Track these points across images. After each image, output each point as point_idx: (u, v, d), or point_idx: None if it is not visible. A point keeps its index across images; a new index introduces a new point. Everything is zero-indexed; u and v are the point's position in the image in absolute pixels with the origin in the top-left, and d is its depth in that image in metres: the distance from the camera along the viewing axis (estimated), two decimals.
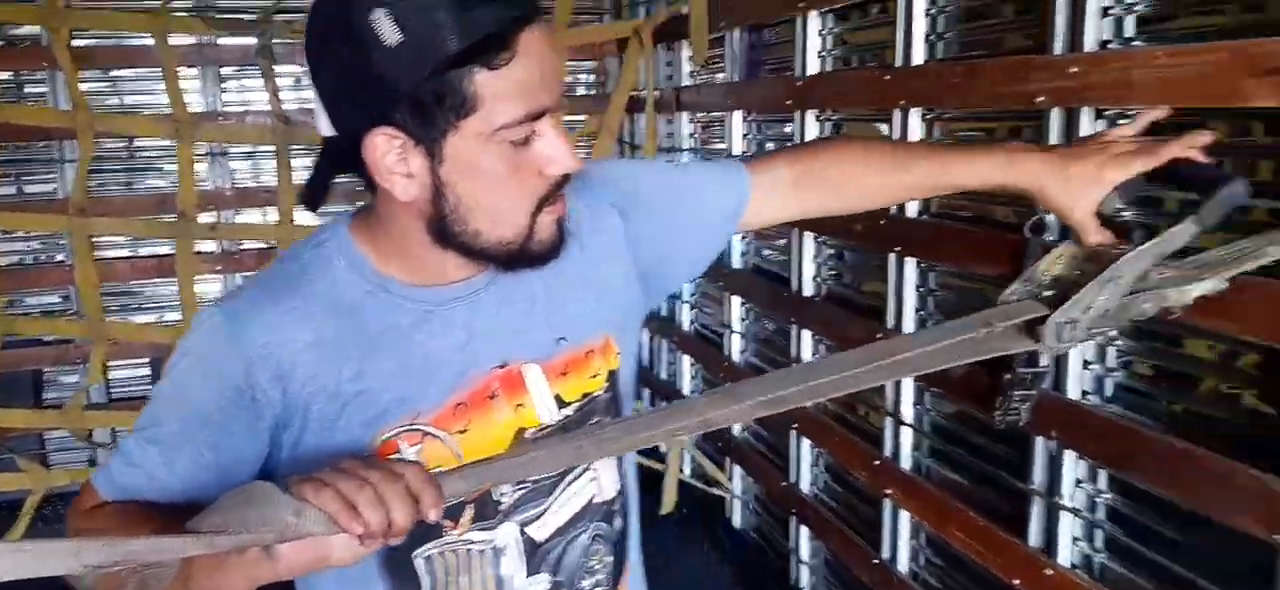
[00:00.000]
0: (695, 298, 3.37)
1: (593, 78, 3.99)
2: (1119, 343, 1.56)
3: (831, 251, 2.46)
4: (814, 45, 2.36)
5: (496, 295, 0.99)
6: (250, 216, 3.72)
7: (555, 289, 1.02)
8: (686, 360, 3.48)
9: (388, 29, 0.80)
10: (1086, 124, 1.51)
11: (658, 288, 1.16)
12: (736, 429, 2.95)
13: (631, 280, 1.10)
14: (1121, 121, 1.48)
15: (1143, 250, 1.01)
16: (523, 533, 1.02)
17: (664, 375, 3.71)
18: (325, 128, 0.90)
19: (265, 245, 3.57)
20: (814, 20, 2.34)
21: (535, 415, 1.01)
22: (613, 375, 1.07)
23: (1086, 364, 1.61)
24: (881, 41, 2.13)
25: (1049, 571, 1.68)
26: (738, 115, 2.84)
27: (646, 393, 3.83)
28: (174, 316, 3.55)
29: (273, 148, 3.31)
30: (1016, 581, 1.74)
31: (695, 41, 2.74)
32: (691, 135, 3.31)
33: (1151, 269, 1.05)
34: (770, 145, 2.75)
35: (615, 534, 1.11)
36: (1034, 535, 1.73)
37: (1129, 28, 1.49)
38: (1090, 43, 1.50)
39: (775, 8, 2.53)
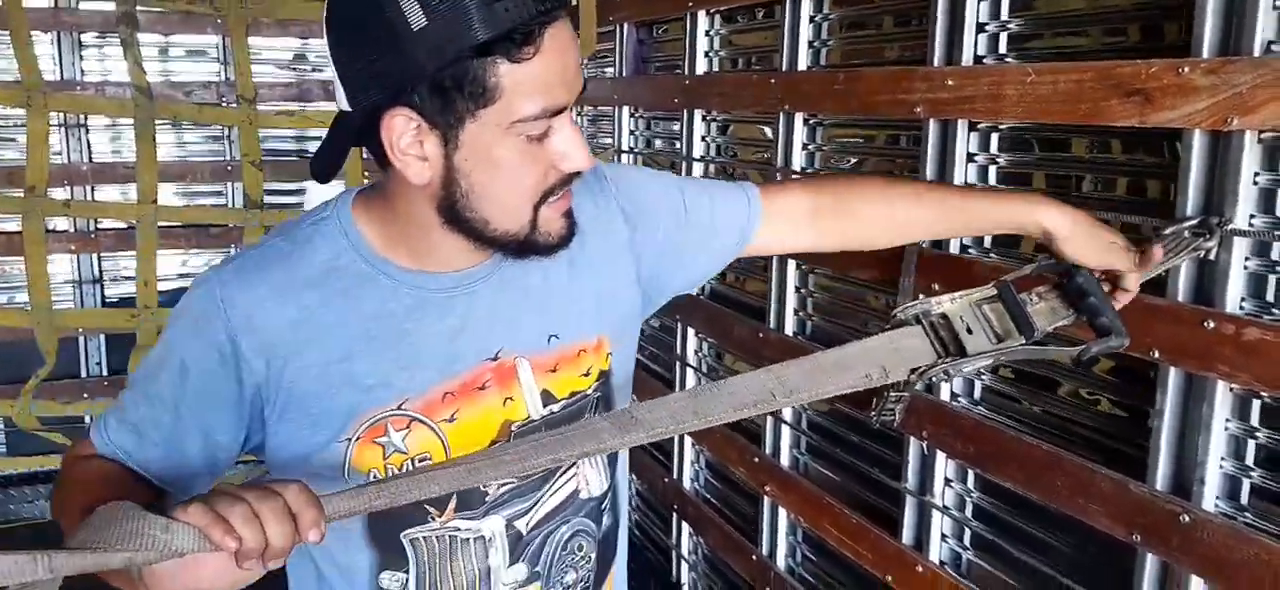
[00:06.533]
0: None
1: None
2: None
3: None
4: (702, 45, 2.37)
5: (494, 287, 1.00)
6: (108, 193, 3.49)
7: (553, 285, 1.03)
8: None
9: (415, 13, 0.81)
10: (961, 135, 1.56)
11: (657, 297, 1.17)
12: None
13: (632, 286, 1.11)
14: (994, 135, 1.55)
15: (1030, 346, 1.05)
16: (510, 526, 1.03)
17: None
18: (342, 102, 0.89)
19: (125, 225, 3.36)
20: (702, 20, 2.35)
21: (523, 409, 1.01)
22: (604, 375, 1.08)
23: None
24: (769, 45, 2.15)
25: (920, 568, 1.73)
26: (625, 111, 2.83)
27: None
28: (23, 298, 3.31)
29: (133, 121, 3.10)
30: (889, 577, 1.79)
31: (584, 33, 2.71)
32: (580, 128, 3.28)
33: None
34: (658, 142, 2.75)
35: (602, 533, 1.12)
36: (907, 532, 1.78)
37: (1003, 45, 1.54)
38: (966, 57, 1.54)
39: (665, 6, 2.53)
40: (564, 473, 1.06)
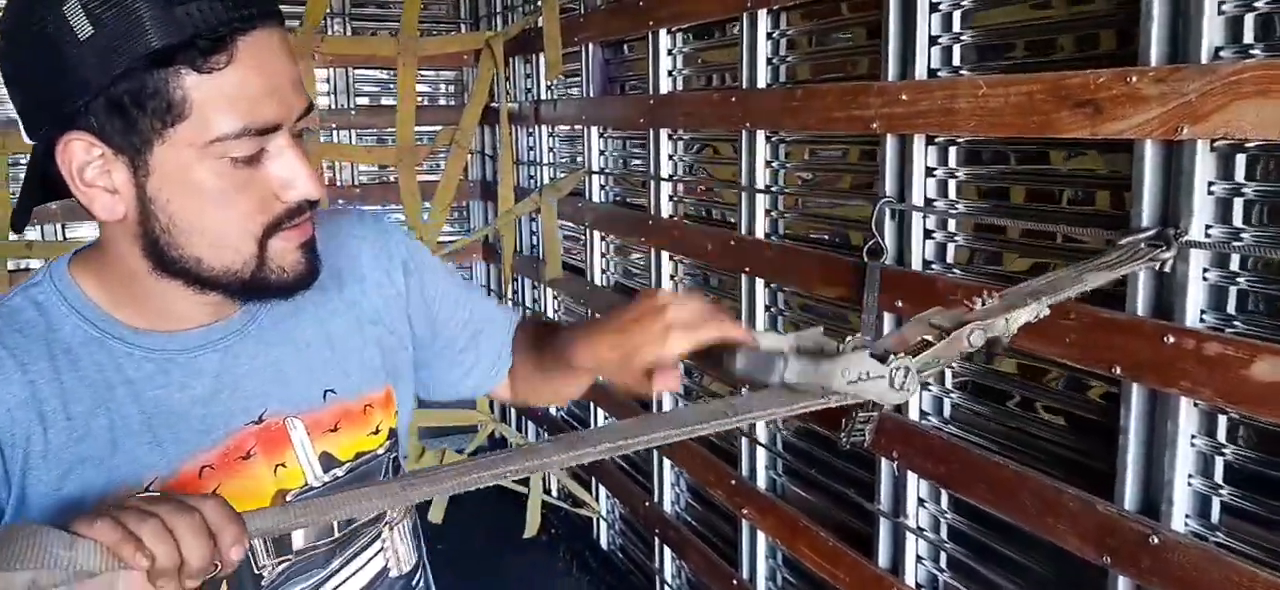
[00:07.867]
0: (560, 310, 3.31)
1: (453, 89, 3.90)
2: (954, 364, 1.58)
3: (688, 271, 2.44)
4: (665, 64, 2.34)
5: (254, 341, 0.88)
6: None
7: (332, 335, 0.93)
8: None
9: (80, 21, 0.72)
10: (918, 148, 1.53)
11: (413, 374, 1.05)
12: None
13: (408, 341, 1.02)
14: (951, 148, 1.52)
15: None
16: None
17: None
18: (26, 137, 0.80)
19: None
20: (665, 39, 2.32)
21: (300, 476, 0.90)
22: (394, 433, 0.97)
23: (926, 385, 1.63)
24: (732, 62, 2.12)
25: None
26: (594, 131, 2.80)
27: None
28: None
29: None
30: None
31: (549, 56, 2.68)
32: (551, 148, 3.25)
33: (977, 307, 1.02)
34: (637, 162, 2.70)
35: None
36: (882, 555, 1.74)
37: (956, 57, 1.51)
38: (920, 71, 1.51)
39: (626, 25, 2.50)
40: (367, 546, 0.95)
